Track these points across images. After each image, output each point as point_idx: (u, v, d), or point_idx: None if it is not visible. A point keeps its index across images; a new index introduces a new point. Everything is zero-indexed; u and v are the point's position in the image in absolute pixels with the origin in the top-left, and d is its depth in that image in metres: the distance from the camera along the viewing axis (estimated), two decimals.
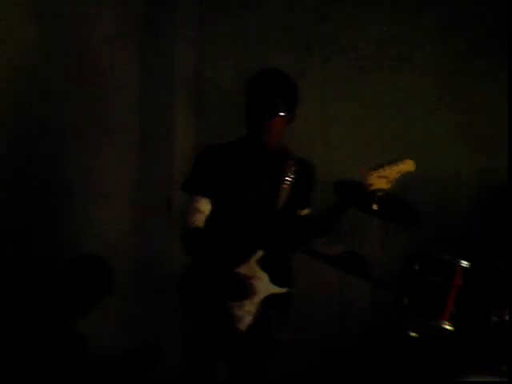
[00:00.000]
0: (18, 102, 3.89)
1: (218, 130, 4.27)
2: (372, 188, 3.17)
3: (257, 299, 3.28)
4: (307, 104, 3.56)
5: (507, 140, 4.29)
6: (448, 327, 3.60)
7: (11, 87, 3.83)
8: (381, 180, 3.18)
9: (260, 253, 3.30)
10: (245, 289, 3.26)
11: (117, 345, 4.03)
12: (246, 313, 3.26)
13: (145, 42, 4.77)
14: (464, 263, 3.68)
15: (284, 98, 3.26)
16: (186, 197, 3.40)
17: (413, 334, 3.77)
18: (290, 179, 3.35)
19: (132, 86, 4.72)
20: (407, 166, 3.26)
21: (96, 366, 3.32)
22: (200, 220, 3.33)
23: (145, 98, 4.78)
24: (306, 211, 3.42)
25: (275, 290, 3.33)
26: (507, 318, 3.56)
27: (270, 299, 3.31)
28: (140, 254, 4.77)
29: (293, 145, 3.46)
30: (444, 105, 4.54)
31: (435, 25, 4.55)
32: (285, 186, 3.35)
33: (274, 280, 3.33)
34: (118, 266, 3.61)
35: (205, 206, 3.33)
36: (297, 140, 3.58)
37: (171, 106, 4.81)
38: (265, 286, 3.30)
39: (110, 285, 3.47)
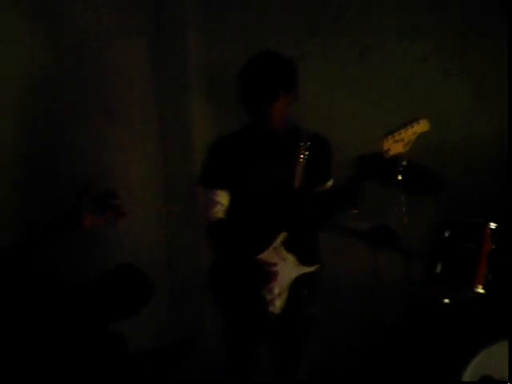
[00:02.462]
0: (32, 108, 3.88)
1: (233, 116, 4.10)
2: (390, 153, 3.14)
3: (286, 281, 3.29)
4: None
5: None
6: (480, 291, 3.59)
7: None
8: (397, 144, 3.14)
9: (283, 235, 3.29)
10: (268, 273, 3.26)
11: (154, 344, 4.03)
12: (277, 296, 3.27)
13: (155, 34, 4.73)
14: (492, 225, 3.65)
15: (279, 81, 3.24)
16: (203, 191, 3.37)
17: (446, 301, 3.73)
18: (303, 157, 3.34)
19: (146, 80, 4.68)
20: (422, 126, 3.21)
21: (134, 362, 3.35)
22: (221, 212, 3.33)
23: (159, 89, 4.73)
24: (329, 184, 3.42)
25: (304, 269, 3.34)
26: None
27: (300, 279, 3.32)
28: (169, 254, 4.76)
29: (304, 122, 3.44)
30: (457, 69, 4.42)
31: None
32: (300, 164, 3.33)
33: (302, 260, 3.33)
34: (150, 269, 3.58)
35: (223, 198, 3.33)
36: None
37: (186, 94, 4.75)
38: (293, 267, 3.31)
39: (149, 296, 3.50)
